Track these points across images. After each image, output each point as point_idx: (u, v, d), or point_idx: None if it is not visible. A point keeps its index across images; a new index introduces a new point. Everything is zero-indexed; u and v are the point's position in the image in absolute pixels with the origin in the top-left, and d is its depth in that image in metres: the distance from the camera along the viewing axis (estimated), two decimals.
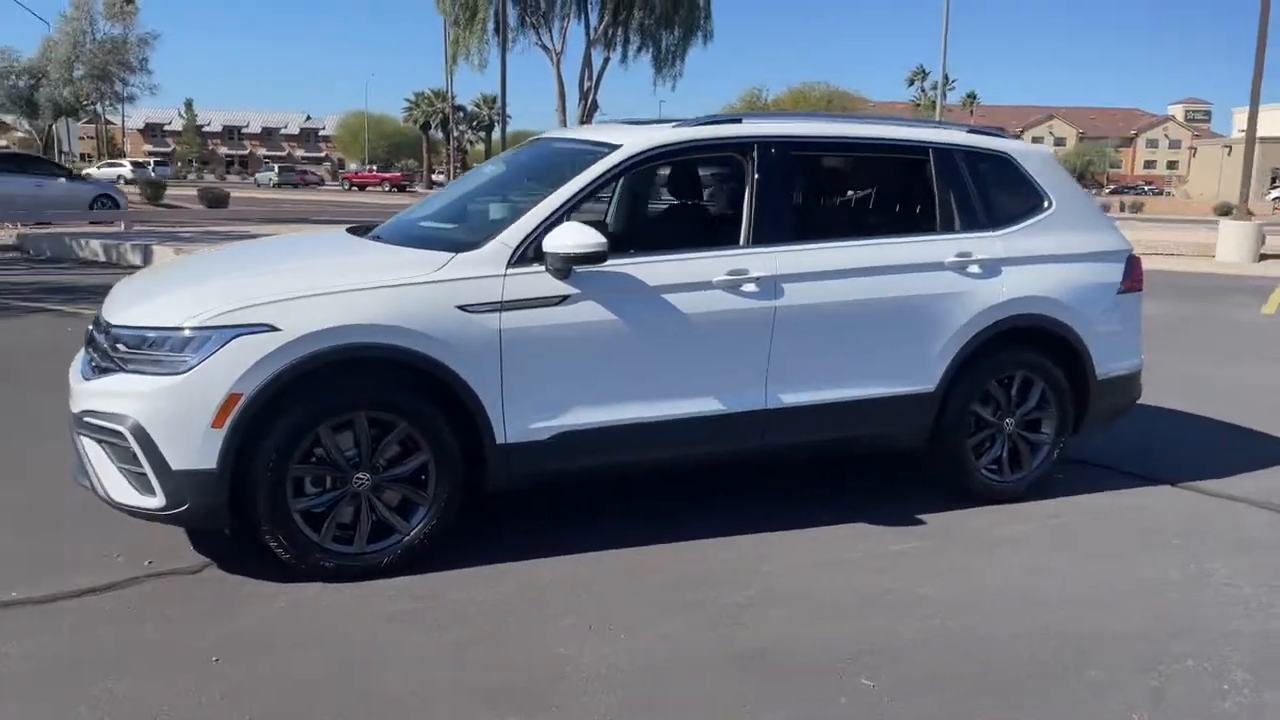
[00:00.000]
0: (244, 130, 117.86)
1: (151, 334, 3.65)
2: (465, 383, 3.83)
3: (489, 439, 3.92)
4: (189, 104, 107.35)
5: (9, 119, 51.44)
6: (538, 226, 3.99)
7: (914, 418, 4.67)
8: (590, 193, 4.18)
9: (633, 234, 4.99)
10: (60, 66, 46.03)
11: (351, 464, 3.78)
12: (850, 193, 5.51)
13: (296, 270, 4.11)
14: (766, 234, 4.36)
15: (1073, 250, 4.97)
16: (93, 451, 3.73)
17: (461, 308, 3.82)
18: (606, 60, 35.43)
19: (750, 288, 4.25)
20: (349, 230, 4.82)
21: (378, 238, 4.52)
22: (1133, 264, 5.17)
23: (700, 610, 3.64)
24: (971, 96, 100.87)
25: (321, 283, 3.79)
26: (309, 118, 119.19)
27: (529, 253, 3.95)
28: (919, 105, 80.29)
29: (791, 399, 4.38)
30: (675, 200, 5.15)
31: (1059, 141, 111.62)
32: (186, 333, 3.59)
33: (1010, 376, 4.86)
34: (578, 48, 35.43)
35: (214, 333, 3.57)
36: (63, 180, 22.43)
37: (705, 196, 5.17)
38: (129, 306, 3.86)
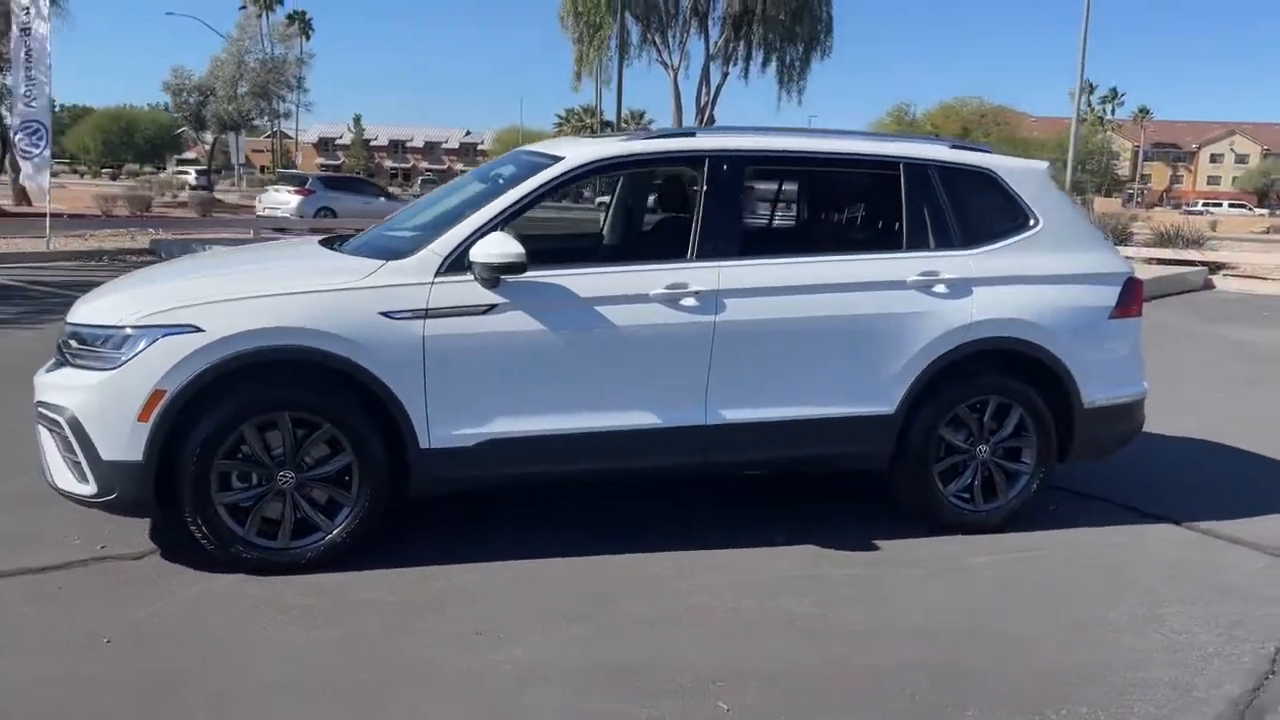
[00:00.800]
0: (408, 144, 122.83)
1: (94, 331, 3.88)
2: (388, 388, 3.92)
3: (412, 444, 4.00)
4: (357, 119, 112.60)
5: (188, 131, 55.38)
6: (469, 236, 4.05)
7: (872, 440, 4.52)
8: (528, 204, 4.22)
9: (579, 246, 5.01)
10: (226, 84, 49.15)
11: (277, 462, 3.92)
12: (811, 209, 5.38)
13: (234, 275, 4.30)
14: (712, 248, 4.31)
15: (1058, 271, 4.72)
16: (44, 440, 3.99)
17: (384, 314, 3.92)
18: (725, 76, 35.47)
19: (690, 302, 4.21)
20: (320, 241, 5.00)
21: (338, 247, 4.67)
22: (1130, 288, 4.87)
23: (589, 624, 3.63)
24: (1144, 111, 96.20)
25: (250, 288, 3.96)
26: (468, 132, 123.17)
27: (461, 261, 4.02)
28: (1084, 120, 76.84)
29: (734, 416, 4.31)
30: (629, 214, 5.15)
31: (1241, 159, 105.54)
32: (121, 331, 3.81)
33: (983, 401, 4.65)
34: (700, 63, 35.63)
35: (143, 331, 3.77)
36: (382, 199, 27.97)
37: (658, 211, 5.14)
38: (81, 306, 4.11)
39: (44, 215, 16.76)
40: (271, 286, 3.97)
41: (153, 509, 3.85)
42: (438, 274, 4.02)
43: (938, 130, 62.04)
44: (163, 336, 3.75)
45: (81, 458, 3.80)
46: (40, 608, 3.61)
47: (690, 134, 4.54)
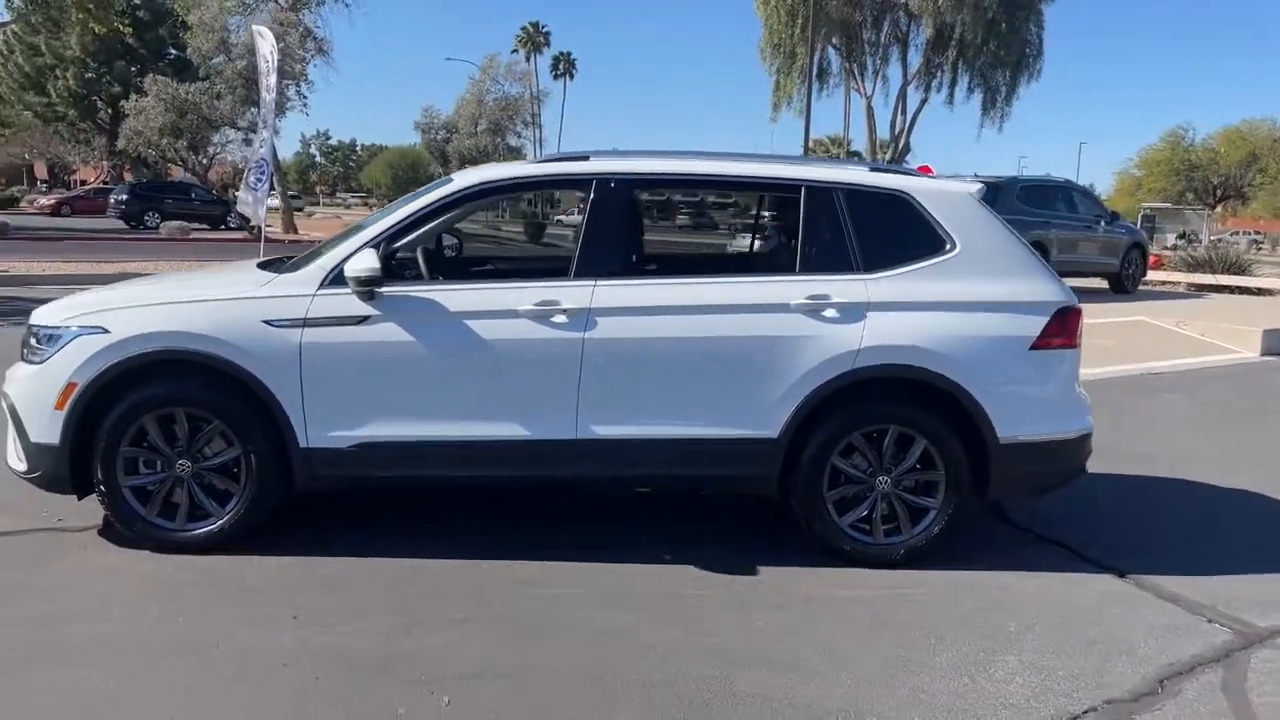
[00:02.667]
0: None
1: (37, 330, 4.49)
2: (269, 390, 4.30)
3: (293, 443, 4.36)
4: (585, 155, 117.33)
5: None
6: (352, 253, 4.38)
7: (753, 464, 4.47)
8: (412, 222, 4.50)
9: (466, 263, 5.23)
10: (468, 122, 52.78)
11: (176, 452, 4.39)
12: (704, 231, 5.34)
13: (160, 286, 4.82)
14: (590, 268, 4.44)
15: (973, 298, 4.50)
16: (9, 423, 4.64)
17: (267, 322, 4.31)
18: (923, 102, 34.43)
19: (560, 319, 4.35)
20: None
21: (268, 264, 5.08)
22: (1062, 317, 4.56)
23: (404, 618, 3.82)
24: None
25: (157, 295, 4.47)
26: None
27: (342, 276, 4.36)
28: None
29: (605, 432, 4.40)
30: (522, 233, 5.31)
31: None
32: (51, 330, 4.39)
33: (881, 431, 4.50)
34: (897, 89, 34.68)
35: (64, 331, 4.34)
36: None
37: (547, 231, 5.28)
38: (40, 309, 4.75)
39: (300, 240, 18.70)
40: (174, 295, 4.46)
41: (68, 486, 4.39)
42: (320, 287, 4.37)
43: (1217, 157, 56.72)
44: (77, 336, 4.30)
45: (16, 439, 4.41)
46: None
47: (583, 158, 4.69)
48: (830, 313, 4.42)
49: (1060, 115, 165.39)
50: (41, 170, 67.58)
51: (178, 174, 47.63)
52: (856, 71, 34.56)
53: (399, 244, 4.53)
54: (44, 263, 17.34)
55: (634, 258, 4.62)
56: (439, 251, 5.32)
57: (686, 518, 5.17)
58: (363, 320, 4.33)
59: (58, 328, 4.38)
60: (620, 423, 4.40)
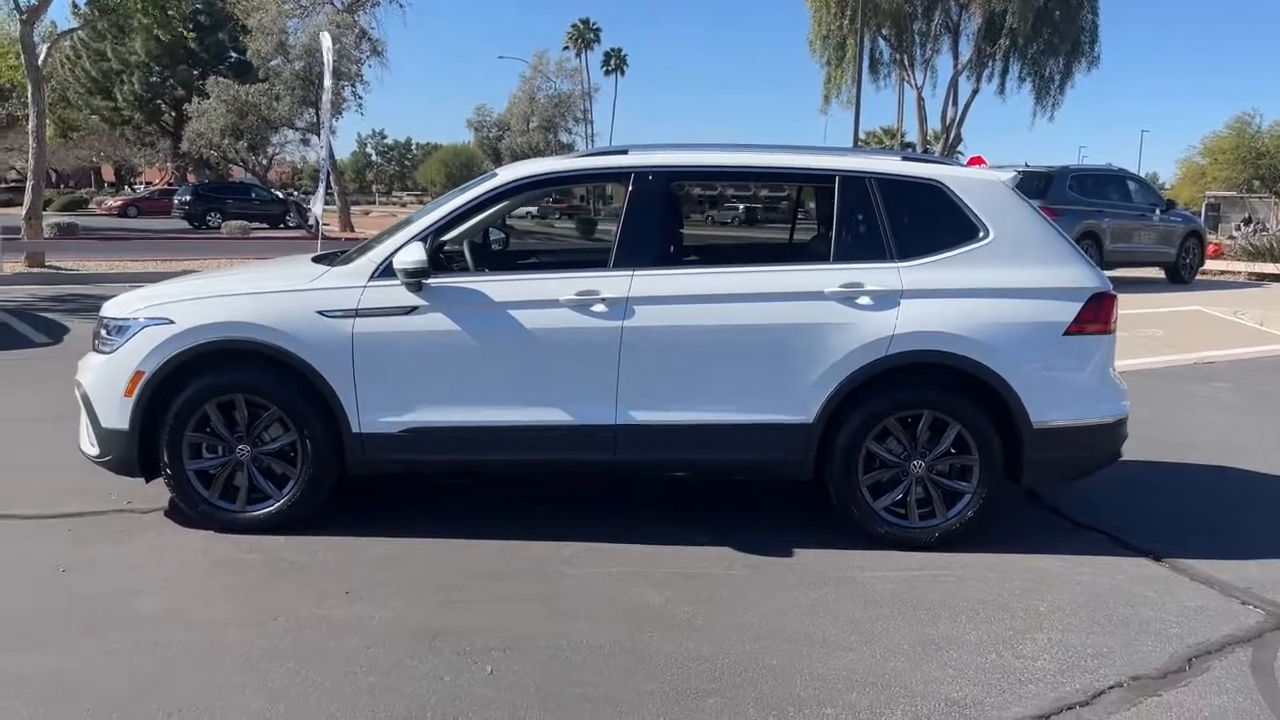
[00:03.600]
0: None
1: (107, 322, 4.74)
2: (324, 378, 4.51)
3: (345, 428, 4.57)
4: (625, 150, 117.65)
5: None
6: (400, 245, 4.57)
7: (789, 449, 4.59)
8: (458, 216, 4.69)
9: (510, 255, 5.39)
10: (520, 119, 53.27)
11: (236, 437, 4.62)
12: (742, 222, 5.45)
13: (222, 280, 5.06)
14: (629, 258, 4.58)
15: (1006, 285, 4.57)
16: (81, 411, 4.92)
17: (321, 313, 4.52)
18: (975, 92, 34.00)
19: (599, 308, 4.50)
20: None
21: (323, 258, 5.30)
22: (1097, 303, 4.61)
23: (439, 595, 4.01)
24: None
25: (219, 288, 4.71)
26: None
27: (392, 268, 4.55)
28: None
29: (644, 417, 4.54)
30: (570, 225, 5.48)
31: None
32: (120, 321, 4.65)
33: (915, 416, 4.59)
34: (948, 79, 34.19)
35: (133, 322, 4.59)
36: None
37: (594, 224, 5.43)
38: (109, 302, 5.01)
39: (356, 238, 19.27)
40: (233, 288, 4.70)
41: (136, 470, 4.64)
42: (371, 279, 4.57)
43: None
44: (145, 327, 4.55)
45: (88, 426, 4.67)
46: (39, 542, 4.50)
47: (621, 152, 4.83)
48: (864, 300, 4.52)
49: (1121, 103, 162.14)
50: (109, 173, 69.48)
51: (239, 175, 48.78)
52: (906, 62, 34.22)
53: (445, 237, 4.72)
54: (111, 261, 17.97)
55: (671, 248, 4.76)
56: (484, 244, 5.51)
57: (722, 501, 5.30)
58: (411, 310, 4.51)
59: (126, 319, 4.63)
60: (658, 409, 4.54)
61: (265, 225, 36.24)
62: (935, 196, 4.70)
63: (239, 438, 4.62)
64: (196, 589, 4.02)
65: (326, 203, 15.46)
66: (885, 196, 4.66)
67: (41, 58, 15.72)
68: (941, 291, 4.55)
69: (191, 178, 50.17)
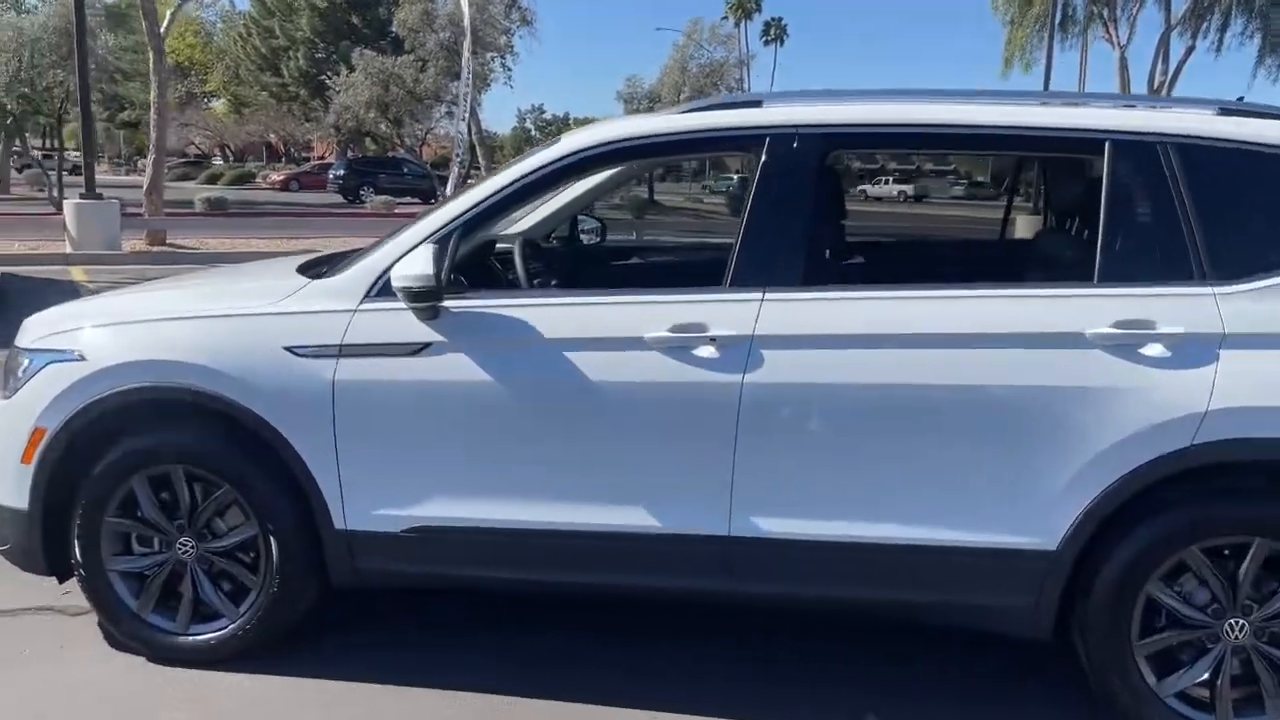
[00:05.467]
0: None
1: (15, 351, 3.36)
2: (291, 446, 3.00)
3: (325, 521, 3.04)
4: None
5: None
6: (406, 250, 3.00)
7: (1011, 588, 2.80)
8: (496, 206, 3.06)
9: (571, 264, 3.72)
10: (671, 90, 51.80)
11: (177, 525, 3.16)
12: (935, 214, 3.57)
13: (163, 292, 3.59)
14: (756, 271, 2.87)
15: None
16: None
17: (290, 349, 2.99)
18: (1189, 51, 29.87)
19: (706, 351, 2.82)
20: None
21: (312, 266, 3.75)
22: None
23: None
24: None
25: (155, 308, 3.24)
26: None
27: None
28: None
29: (774, 528, 2.84)
30: (649, 223, 3.73)
31: None
32: (23, 353, 3.25)
33: (1236, 546, 2.72)
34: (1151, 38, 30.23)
35: (35, 356, 3.19)
36: None
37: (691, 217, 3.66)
38: (30, 319, 3.62)
39: None
40: (172, 308, 3.22)
41: (41, 564, 3.23)
42: (366, 298, 3.01)
43: None
44: (50, 363, 3.13)
45: None
46: None
47: (753, 103, 3.09)
48: (1155, 350, 2.67)
49: None
50: (281, 147, 71.62)
51: (403, 151, 48.94)
52: (1106, 16, 30.48)
53: (475, 237, 3.13)
54: (235, 239, 17.17)
55: (826, 256, 3.01)
56: (537, 247, 3.86)
57: (879, 653, 3.50)
58: (421, 350, 2.94)
59: (29, 350, 3.23)
60: (797, 515, 2.83)
61: (417, 200, 35.83)
62: None
63: (180, 527, 3.16)
64: None
65: (468, 178, 14.19)
66: (1191, 175, 2.78)
67: (164, 25, 15.01)
68: None
69: (353, 152, 50.71)
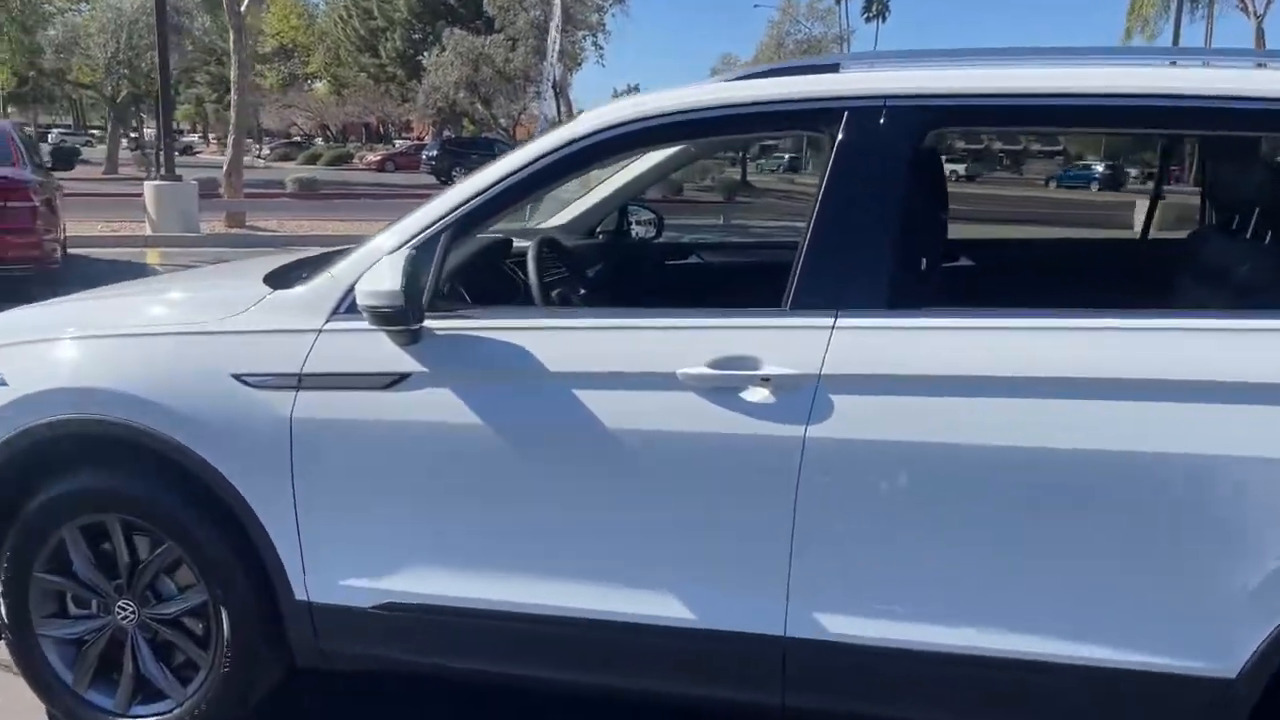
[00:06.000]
0: None
1: None
2: (241, 496, 2.41)
3: (283, 590, 2.46)
4: None
5: None
6: (373, 260, 2.37)
7: None
8: (494, 201, 2.40)
9: (587, 275, 3.02)
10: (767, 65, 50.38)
11: (116, 586, 2.62)
12: (1068, 213, 2.76)
13: (102, 300, 3.02)
14: (825, 287, 2.17)
15: None
16: None
17: (239, 377, 2.40)
18: None
19: (756, 394, 2.13)
20: None
21: (281, 274, 3.13)
22: None
23: None
24: None
25: (89, 320, 2.68)
26: None
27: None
28: None
29: (847, 629, 2.15)
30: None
31: None
32: None
33: None
34: None
35: None
36: None
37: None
38: None
39: None
40: (108, 321, 2.66)
41: None
42: (333, 315, 2.40)
43: None
44: None
45: None
46: None
47: (828, 67, 2.37)
48: None
49: None
50: (378, 128, 72.50)
51: (497, 131, 48.79)
52: None
53: (478, 239, 2.49)
54: (316, 221, 16.87)
55: (922, 267, 2.28)
56: (559, 249, 3.17)
57: None
58: (396, 383, 2.31)
59: None
60: (878, 614, 2.13)
61: None
62: None
63: (119, 588, 2.61)
64: None
65: None
66: None
67: (244, 5, 14.76)
68: None
69: (448, 133, 50.86)
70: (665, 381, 2.17)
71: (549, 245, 2.95)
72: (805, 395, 2.10)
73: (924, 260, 2.28)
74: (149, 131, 44.60)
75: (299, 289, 2.48)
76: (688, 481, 2.18)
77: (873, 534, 2.11)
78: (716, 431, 2.14)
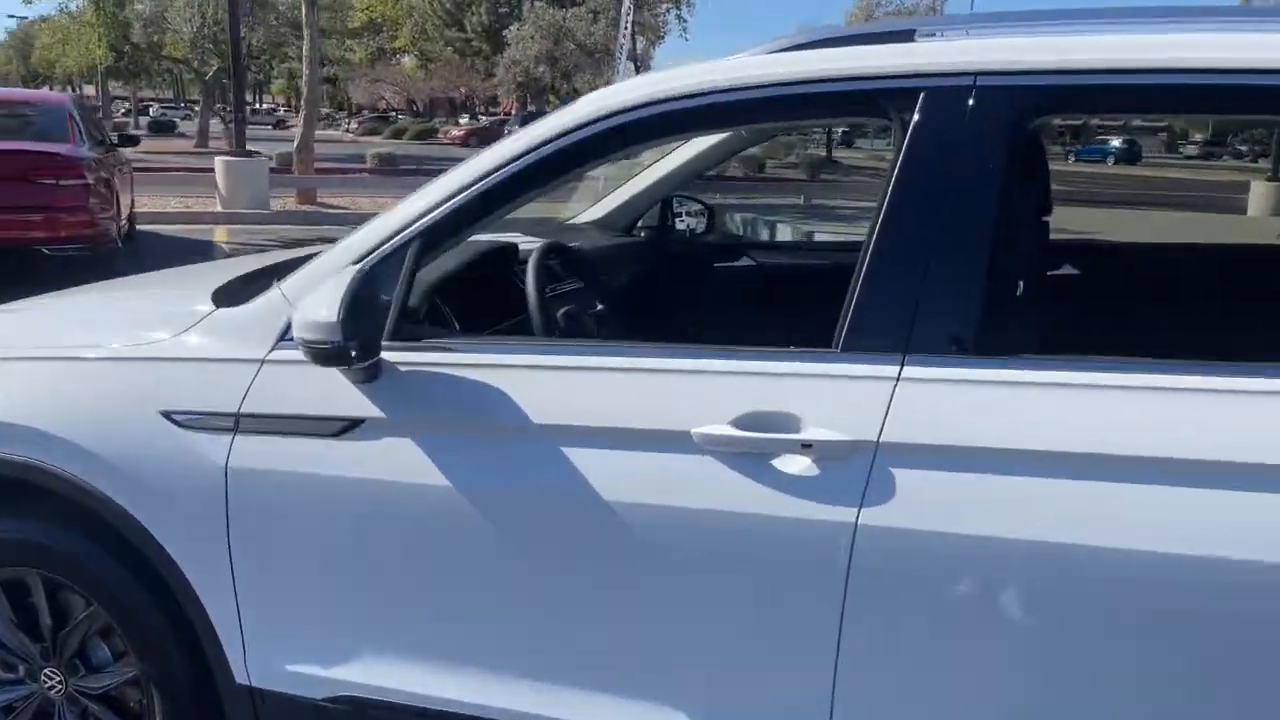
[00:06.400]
0: None
1: None
2: (169, 557, 2.00)
3: (221, 672, 2.04)
4: None
5: None
6: (314, 284, 1.90)
7: None
8: (466, 207, 1.92)
9: (585, 301, 2.49)
10: None
11: (41, 649, 2.23)
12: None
13: (36, 311, 2.60)
14: (888, 326, 1.64)
15: None
16: None
17: (168, 415, 1.97)
18: None
19: (795, 464, 1.62)
20: None
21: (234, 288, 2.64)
22: None
23: None
24: None
25: (10, 337, 2.28)
26: None
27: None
28: None
29: None
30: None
31: None
32: None
33: None
34: None
35: None
36: None
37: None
38: None
39: None
40: (28, 339, 2.26)
41: None
42: (280, 342, 1.95)
43: None
44: None
45: None
46: None
47: (901, 34, 1.82)
48: None
49: None
50: (462, 102, 72.71)
51: None
52: None
53: (432, 260, 2.02)
54: (396, 197, 16.60)
55: (1017, 296, 1.73)
56: (567, 257, 2.65)
57: None
58: (348, 429, 1.86)
59: None
60: None
61: None
62: None
63: (44, 652, 2.22)
64: None
65: None
66: None
67: None
68: None
69: (533, 107, 50.75)
70: (678, 443, 1.67)
71: (555, 253, 2.46)
72: (859, 469, 1.59)
73: (1021, 287, 1.73)
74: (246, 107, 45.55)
75: (243, 307, 2.04)
76: (701, 577, 1.69)
77: (945, 659, 1.59)
78: (740, 511, 1.64)
